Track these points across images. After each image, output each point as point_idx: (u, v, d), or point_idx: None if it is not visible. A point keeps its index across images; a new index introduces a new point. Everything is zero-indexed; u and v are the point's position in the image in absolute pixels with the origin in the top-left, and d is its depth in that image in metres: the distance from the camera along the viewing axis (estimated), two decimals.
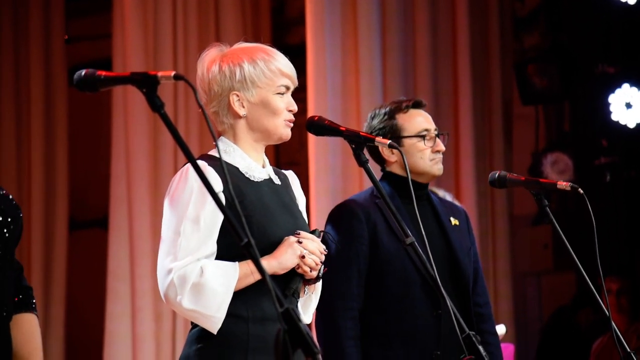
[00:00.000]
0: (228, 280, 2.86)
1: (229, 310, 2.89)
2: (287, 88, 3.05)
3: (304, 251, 2.94)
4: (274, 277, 2.95)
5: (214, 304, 2.85)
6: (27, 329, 3.13)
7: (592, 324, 6.97)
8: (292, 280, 2.98)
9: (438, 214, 3.84)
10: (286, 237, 2.96)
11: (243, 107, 3.01)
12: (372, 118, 3.88)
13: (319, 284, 3.11)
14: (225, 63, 3.01)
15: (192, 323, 3.00)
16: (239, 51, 3.03)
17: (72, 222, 7.87)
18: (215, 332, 2.89)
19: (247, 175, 3.02)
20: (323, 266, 3.02)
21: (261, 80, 3.00)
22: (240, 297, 2.91)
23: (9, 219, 3.05)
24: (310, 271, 2.96)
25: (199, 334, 2.95)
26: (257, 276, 2.87)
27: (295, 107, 3.06)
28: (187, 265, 2.86)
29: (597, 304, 3.32)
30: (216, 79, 3.01)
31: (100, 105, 7.71)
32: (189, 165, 2.93)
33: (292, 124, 3.06)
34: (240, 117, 3.02)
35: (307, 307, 3.12)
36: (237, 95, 3.01)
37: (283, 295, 2.93)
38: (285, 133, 3.05)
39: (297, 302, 3.03)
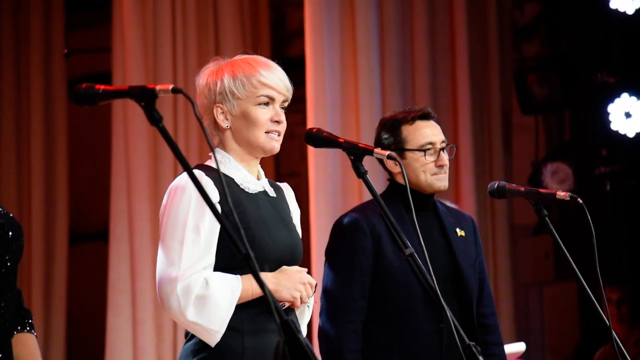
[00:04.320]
0: (232, 294, 2.86)
1: None
2: (271, 99, 3.01)
3: (303, 292, 2.95)
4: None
5: (218, 319, 2.85)
6: (30, 348, 3.14)
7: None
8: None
9: (444, 226, 3.82)
10: (298, 270, 2.98)
11: (227, 119, 3.03)
12: (381, 126, 3.85)
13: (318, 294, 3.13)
14: (211, 77, 3.04)
15: (186, 335, 3.00)
16: (225, 64, 3.06)
17: (73, 236, 7.87)
18: (213, 346, 2.88)
19: (242, 187, 3.02)
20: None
21: (240, 91, 3.01)
22: (235, 309, 2.90)
23: (12, 236, 3.06)
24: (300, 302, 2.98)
25: (194, 347, 2.94)
26: (255, 292, 2.88)
27: (280, 118, 3.02)
28: (192, 276, 2.85)
29: (597, 313, 3.31)
30: (204, 92, 3.06)
31: (100, 119, 7.71)
32: (185, 174, 2.93)
33: (278, 136, 3.03)
34: (225, 129, 3.04)
35: (301, 319, 3.11)
36: (220, 108, 3.03)
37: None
38: (269, 146, 3.02)
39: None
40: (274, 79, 3.02)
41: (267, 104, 3.01)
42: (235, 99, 3.01)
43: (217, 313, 2.84)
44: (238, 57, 3.10)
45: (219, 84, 3.02)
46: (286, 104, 3.07)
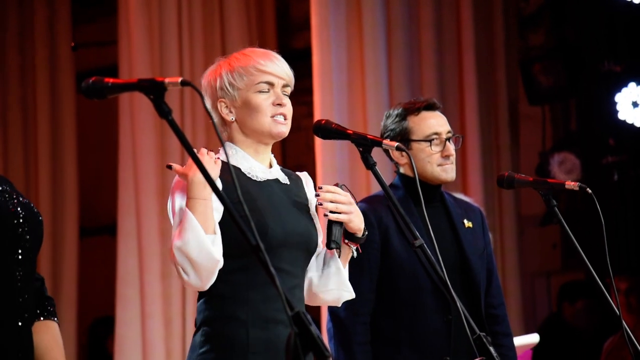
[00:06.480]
0: (189, 223, 2.83)
1: (229, 313, 2.93)
2: (270, 84, 3.04)
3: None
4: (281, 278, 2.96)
5: (194, 250, 2.82)
6: (52, 335, 3.16)
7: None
8: (331, 232, 2.98)
9: (451, 217, 3.82)
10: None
11: (231, 112, 3.06)
12: (387, 118, 3.85)
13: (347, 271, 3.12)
14: (211, 76, 3.10)
15: (195, 324, 3.01)
16: (223, 61, 3.10)
17: (81, 229, 7.88)
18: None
19: (249, 175, 3.04)
20: (365, 232, 3.05)
21: (239, 82, 3.04)
22: (240, 300, 2.94)
23: (31, 226, 3.06)
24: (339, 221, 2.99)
25: (200, 339, 2.97)
26: (197, 194, 2.85)
27: (282, 101, 3.03)
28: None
29: (607, 303, 3.31)
30: (207, 92, 3.10)
31: (107, 112, 7.72)
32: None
33: (283, 119, 3.04)
34: (231, 122, 3.06)
35: (342, 280, 3.11)
36: (224, 102, 3.06)
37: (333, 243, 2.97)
38: (276, 130, 3.04)
39: (339, 252, 3.04)
40: (271, 64, 3.05)
41: (267, 90, 3.04)
42: (235, 90, 3.04)
43: (190, 249, 2.82)
44: (243, 50, 3.14)
45: (218, 80, 3.06)
46: (288, 90, 3.09)
